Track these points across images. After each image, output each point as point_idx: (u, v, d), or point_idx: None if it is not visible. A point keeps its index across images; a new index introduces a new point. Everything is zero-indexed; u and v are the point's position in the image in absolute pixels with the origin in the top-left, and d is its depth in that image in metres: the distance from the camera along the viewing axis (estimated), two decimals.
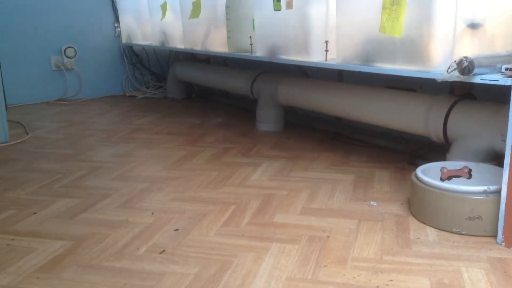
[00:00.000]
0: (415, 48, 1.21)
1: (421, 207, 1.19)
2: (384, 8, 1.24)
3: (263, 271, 0.97)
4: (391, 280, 0.93)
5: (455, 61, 1.06)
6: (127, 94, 3.39)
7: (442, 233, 1.13)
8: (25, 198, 1.43)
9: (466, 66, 1.03)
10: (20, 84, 3.05)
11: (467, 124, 1.35)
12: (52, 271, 0.99)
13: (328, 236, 1.12)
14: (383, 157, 1.75)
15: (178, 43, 2.57)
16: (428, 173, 1.26)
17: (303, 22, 1.58)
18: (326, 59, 1.56)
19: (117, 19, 3.34)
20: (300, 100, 2.00)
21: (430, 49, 1.18)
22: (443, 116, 1.39)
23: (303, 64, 1.63)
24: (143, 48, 3.38)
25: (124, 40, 3.32)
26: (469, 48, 1.19)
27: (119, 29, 3.34)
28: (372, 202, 1.33)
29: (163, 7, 2.59)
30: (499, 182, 1.06)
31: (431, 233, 1.13)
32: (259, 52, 1.88)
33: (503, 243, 1.05)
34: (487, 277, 0.93)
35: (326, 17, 1.53)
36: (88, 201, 1.38)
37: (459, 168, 1.30)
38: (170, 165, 1.72)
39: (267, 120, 2.22)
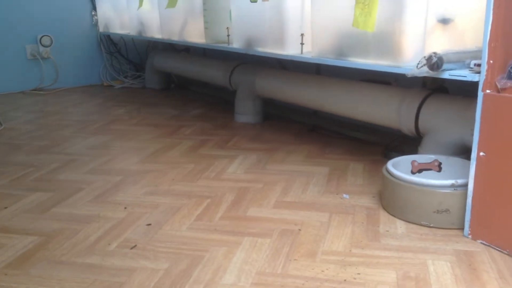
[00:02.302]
0: (387, 43, 1.22)
1: (391, 200, 1.21)
2: (357, 2, 1.24)
3: (234, 266, 0.98)
4: (358, 274, 0.94)
5: (424, 57, 1.07)
6: (105, 84, 3.35)
7: (411, 225, 1.15)
8: None
9: (435, 62, 1.05)
10: None
11: (438, 118, 1.37)
12: (21, 268, 0.98)
13: (299, 230, 1.13)
14: (358, 149, 1.76)
15: (156, 33, 2.54)
16: (399, 166, 1.28)
17: (279, 14, 1.57)
18: (302, 52, 1.56)
19: (94, 8, 3.28)
20: (277, 92, 2.00)
21: (402, 44, 1.19)
22: (415, 110, 1.41)
23: (278, 56, 1.63)
24: (121, 37, 3.33)
25: (101, 29, 3.27)
26: (440, 43, 1.20)
27: (96, 17, 3.28)
28: (344, 195, 1.34)
29: None
30: (467, 176, 1.08)
31: (400, 226, 1.15)
32: (236, 44, 1.87)
33: (470, 236, 1.08)
34: (452, 270, 0.95)
35: (301, 10, 1.53)
36: (60, 195, 1.37)
37: (429, 161, 1.32)
38: (146, 158, 1.71)
39: (246, 111, 2.22)
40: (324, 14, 1.41)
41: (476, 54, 1.10)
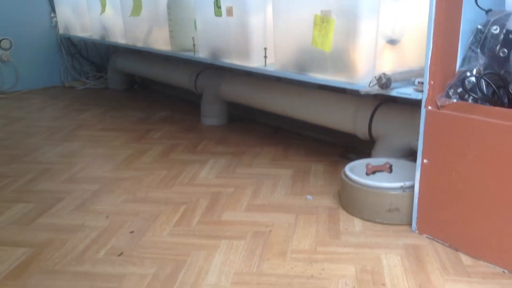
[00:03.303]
0: (342, 61, 1.36)
1: (349, 200, 1.37)
2: (315, 24, 1.38)
3: (214, 268, 1.10)
4: (323, 269, 1.09)
5: (375, 77, 1.22)
6: (66, 85, 3.35)
7: (367, 223, 1.31)
8: None
9: (384, 82, 1.20)
10: None
11: (388, 124, 1.53)
12: (19, 279, 1.06)
13: (270, 231, 1.27)
14: (318, 150, 1.92)
15: (119, 38, 2.59)
16: (355, 169, 1.44)
17: (243, 29, 1.69)
18: (265, 65, 1.69)
19: (53, 9, 3.26)
20: (242, 97, 2.12)
21: (355, 62, 1.34)
22: (368, 117, 1.57)
23: (243, 68, 1.74)
24: (82, 39, 3.33)
25: (61, 31, 3.26)
26: (389, 61, 1.36)
27: (55, 19, 3.27)
28: (308, 196, 1.49)
29: (102, 2, 2.59)
30: (414, 178, 1.24)
31: (357, 224, 1.30)
32: (202, 53, 1.97)
33: (417, 231, 1.25)
34: (402, 262, 1.11)
35: (264, 26, 1.65)
36: (43, 206, 1.44)
37: (381, 164, 1.48)
38: (119, 165, 1.79)
39: (212, 114, 2.32)
40: (286, 31, 1.54)
41: (420, 72, 1.26)
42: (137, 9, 2.27)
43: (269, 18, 1.62)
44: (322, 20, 1.35)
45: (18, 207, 1.44)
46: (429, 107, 1.16)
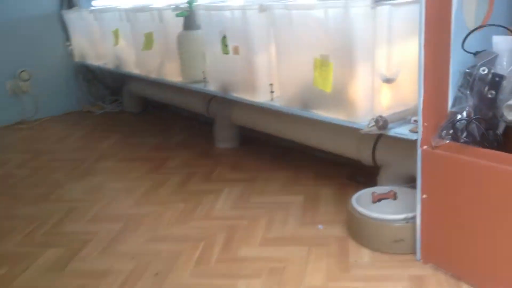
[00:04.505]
0: (342, 100, 1.44)
1: (357, 231, 1.45)
2: (315, 66, 1.45)
3: None
4: None
5: (372, 119, 1.30)
6: (84, 110, 3.48)
7: (375, 253, 1.39)
8: (13, 251, 1.58)
9: (381, 124, 1.28)
10: None
11: (391, 152, 1.61)
12: None
13: (284, 267, 1.36)
14: (327, 171, 1.99)
15: (133, 68, 2.70)
16: (362, 198, 1.52)
17: (249, 66, 1.77)
18: (272, 99, 1.77)
19: (67, 38, 3.39)
20: (253, 123, 2.21)
21: (354, 102, 1.41)
22: (371, 146, 1.64)
23: (251, 103, 1.83)
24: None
25: (77, 59, 3.38)
26: (386, 99, 1.43)
27: (70, 47, 3.40)
28: (319, 226, 1.57)
29: (115, 34, 2.70)
30: (416, 208, 1.32)
31: (365, 255, 1.39)
32: (212, 85, 2.06)
33: (421, 260, 1.33)
34: None
35: (269, 63, 1.73)
36: (72, 250, 1.55)
37: (386, 192, 1.56)
38: (139, 199, 1.90)
39: (225, 138, 2.42)
40: (289, 70, 1.62)
41: (415, 110, 1.33)
42: (148, 42, 2.37)
43: (273, 56, 1.70)
44: (322, 63, 1.43)
45: (50, 252, 1.55)
46: (425, 147, 1.23)
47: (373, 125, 1.28)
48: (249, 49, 1.74)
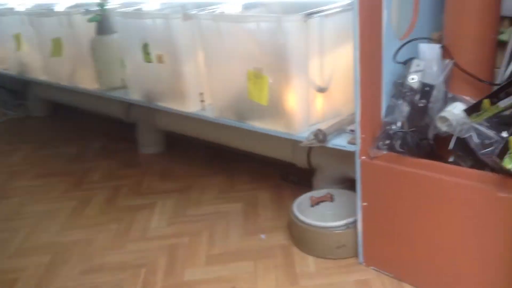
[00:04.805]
0: (279, 112, 1.43)
1: (300, 239, 1.47)
2: (249, 79, 1.42)
3: None
4: None
5: (312, 133, 1.30)
6: None
7: (319, 260, 1.42)
8: None
9: (321, 138, 1.29)
10: None
11: (326, 155, 1.64)
12: None
13: (233, 287, 1.34)
14: (261, 173, 1.99)
15: (40, 74, 2.46)
16: (302, 204, 1.54)
17: (176, 75, 1.69)
18: (203, 108, 1.71)
19: None
20: (179, 127, 2.13)
21: (291, 113, 1.41)
22: (306, 150, 1.66)
23: (180, 113, 1.75)
24: None
25: None
26: (321, 108, 1.44)
27: None
28: (262, 236, 1.57)
29: (17, 38, 2.43)
30: (354, 212, 1.36)
31: (311, 262, 1.41)
32: (134, 93, 1.95)
33: (364, 263, 1.38)
34: None
35: (198, 73, 1.66)
36: None
37: (323, 195, 1.59)
38: (65, 223, 1.76)
39: (150, 143, 2.32)
40: (221, 81, 1.57)
41: (350, 119, 1.36)
42: (57, 49, 2.17)
43: (203, 65, 1.62)
44: (256, 76, 1.40)
45: None
46: (363, 157, 1.27)
47: (313, 139, 1.28)
48: (175, 58, 1.66)
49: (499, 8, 1.18)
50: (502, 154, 1.02)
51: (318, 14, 1.30)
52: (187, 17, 1.53)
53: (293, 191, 1.79)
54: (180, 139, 2.42)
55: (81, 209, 1.86)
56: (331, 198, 1.59)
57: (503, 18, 1.25)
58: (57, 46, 2.18)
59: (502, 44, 1.21)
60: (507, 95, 1.05)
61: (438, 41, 1.28)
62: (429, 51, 1.25)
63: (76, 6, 2.29)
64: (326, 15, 1.33)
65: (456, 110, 1.15)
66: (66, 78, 2.28)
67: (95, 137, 2.63)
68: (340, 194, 1.58)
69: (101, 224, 1.74)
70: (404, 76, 1.25)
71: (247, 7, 1.64)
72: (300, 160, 1.70)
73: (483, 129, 1.09)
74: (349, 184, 1.60)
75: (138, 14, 1.73)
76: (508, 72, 1.18)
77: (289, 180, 1.91)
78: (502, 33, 1.23)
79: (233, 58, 1.45)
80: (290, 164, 1.81)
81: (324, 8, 1.35)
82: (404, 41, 1.27)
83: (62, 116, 3.06)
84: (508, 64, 1.18)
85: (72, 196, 1.97)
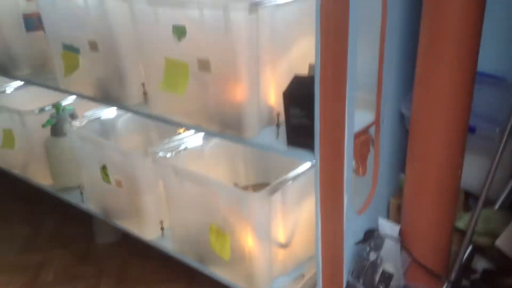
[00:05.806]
0: (240, 266, 1.44)
1: None
2: (211, 231, 1.42)
3: None
4: None
5: None
6: None
7: None
8: None
9: None
10: None
11: None
12: None
13: None
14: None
15: None
16: None
17: (135, 202, 1.66)
18: (162, 235, 1.69)
19: None
20: None
21: (253, 270, 1.42)
22: None
23: (139, 237, 1.72)
24: None
25: None
26: (282, 263, 1.47)
27: None
28: None
29: None
30: None
31: None
32: (91, 203, 1.89)
33: None
34: None
35: (159, 200, 1.64)
36: None
37: None
38: None
39: (105, 231, 2.25)
40: (184, 220, 1.55)
41: (312, 278, 1.39)
42: (9, 140, 2.07)
43: (164, 198, 1.60)
44: (218, 232, 1.39)
45: None
46: None
47: None
48: (135, 188, 1.63)
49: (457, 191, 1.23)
50: None
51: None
52: (150, 153, 1.50)
53: None
54: None
55: None
56: None
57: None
58: (8, 137, 2.08)
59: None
60: None
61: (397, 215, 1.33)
62: (387, 228, 1.30)
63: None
64: None
65: None
66: (19, 168, 2.18)
67: (44, 215, 2.45)
68: None
69: None
70: (364, 249, 1.28)
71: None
72: None
73: None
74: None
75: (99, 141, 1.68)
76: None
77: None
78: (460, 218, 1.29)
79: (195, 208, 1.44)
80: None
81: None
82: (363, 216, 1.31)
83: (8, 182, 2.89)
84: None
85: None
